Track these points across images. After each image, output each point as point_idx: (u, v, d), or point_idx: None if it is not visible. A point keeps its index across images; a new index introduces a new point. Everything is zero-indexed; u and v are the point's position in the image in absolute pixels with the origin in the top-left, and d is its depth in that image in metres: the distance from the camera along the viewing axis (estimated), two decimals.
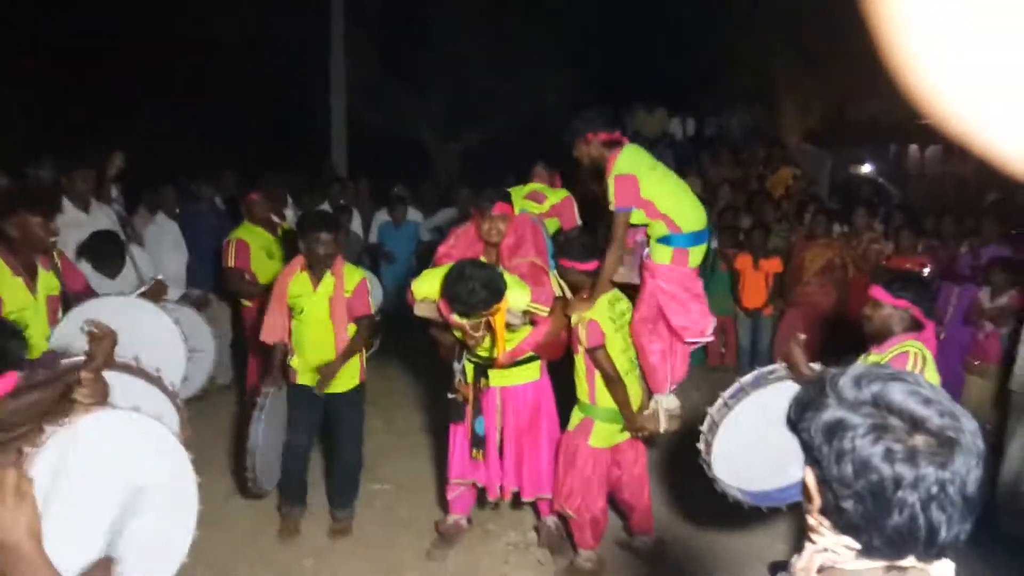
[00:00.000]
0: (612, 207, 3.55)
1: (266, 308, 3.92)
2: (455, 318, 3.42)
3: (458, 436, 3.85)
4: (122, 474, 2.00)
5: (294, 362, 3.92)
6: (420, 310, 3.58)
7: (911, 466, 0.94)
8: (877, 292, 2.92)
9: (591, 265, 3.59)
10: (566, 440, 3.65)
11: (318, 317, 3.84)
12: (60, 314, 3.44)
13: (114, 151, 5.21)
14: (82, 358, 2.37)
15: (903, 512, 0.95)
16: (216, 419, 5.56)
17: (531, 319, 3.53)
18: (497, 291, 3.23)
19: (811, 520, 1.08)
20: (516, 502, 4.11)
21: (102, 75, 10.39)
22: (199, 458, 2.27)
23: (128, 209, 6.09)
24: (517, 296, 3.42)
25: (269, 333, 3.87)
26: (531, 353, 3.69)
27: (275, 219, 5.39)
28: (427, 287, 3.51)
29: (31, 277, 3.35)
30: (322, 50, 11.42)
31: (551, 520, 3.92)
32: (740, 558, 3.81)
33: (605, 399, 3.55)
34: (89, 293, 3.66)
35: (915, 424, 0.97)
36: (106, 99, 10.32)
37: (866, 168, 12.76)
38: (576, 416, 3.65)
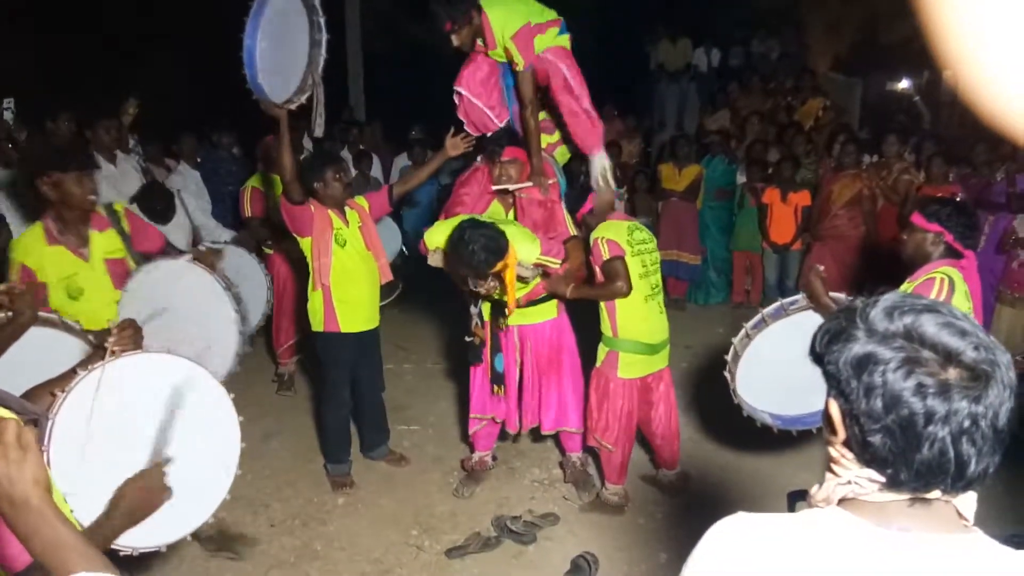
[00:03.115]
0: (521, 67, 3.59)
1: (314, 252, 3.72)
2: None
3: (478, 375, 3.91)
4: (160, 409, 2.05)
5: (339, 307, 3.80)
6: (433, 260, 3.58)
7: (943, 400, 0.91)
8: (914, 217, 2.91)
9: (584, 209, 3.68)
10: (596, 375, 3.67)
11: (358, 249, 3.82)
12: (125, 279, 3.24)
13: (128, 98, 5.19)
14: (2, 315, 2.37)
15: (933, 446, 0.93)
16: (251, 364, 5.68)
17: (543, 271, 3.52)
18: (497, 251, 3.23)
19: (833, 452, 1.05)
20: (539, 438, 4.17)
21: (113, 24, 10.29)
22: (237, 400, 2.33)
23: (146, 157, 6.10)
24: (526, 250, 3.41)
25: (327, 272, 3.74)
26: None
27: None
28: (438, 238, 3.50)
29: (80, 240, 3.13)
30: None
31: (575, 456, 3.97)
32: (764, 491, 3.85)
33: (627, 331, 3.55)
34: (164, 253, 3.42)
35: (948, 357, 0.93)
36: (117, 48, 10.23)
37: (904, 84, 12.17)
38: (602, 351, 3.66)
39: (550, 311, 3.78)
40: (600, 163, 3.77)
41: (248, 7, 3.35)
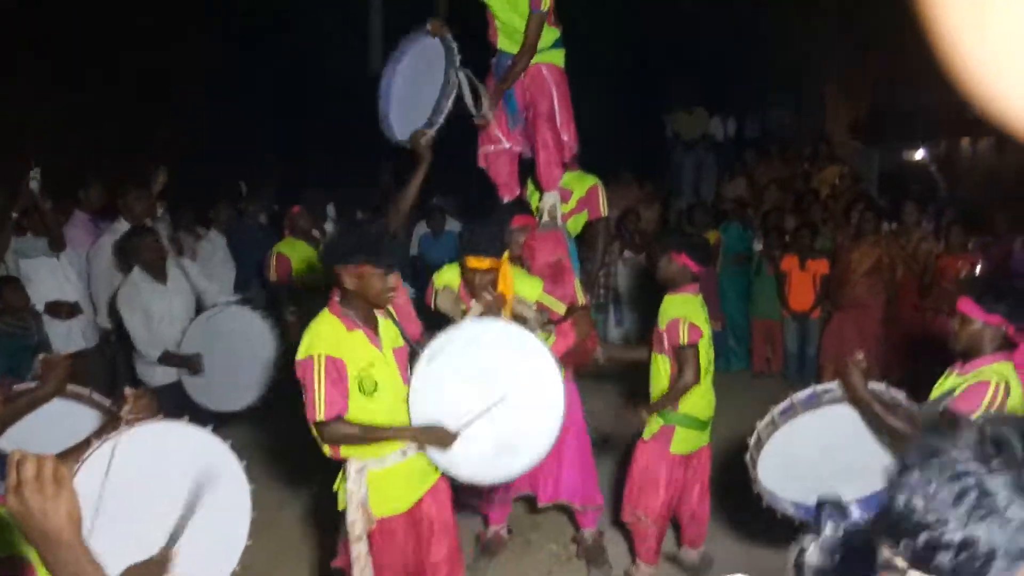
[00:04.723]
0: (545, 7, 3.71)
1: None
2: (473, 303, 3.43)
3: None
4: (175, 480, 2.06)
5: None
6: (440, 300, 3.54)
7: None
8: (966, 306, 2.56)
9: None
10: (644, 449, 3.57)
11: None
12: (408, 371, 2.88)
13: (158, 168, 5.35)
14: (34, 384, 2.43)
15: None
16: (268, 429, 5.66)
17: (549, 318, 3.47)
18: (494, 241, 3.23)
19: None
20: (555, 510, 4.09)
21: (146, 91, 10.67)
22: (251, 468, 2.34)
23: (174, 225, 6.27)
24: (526, 286, 3.43)
25: None
26: None
27: (316, 233, 5.49)
28: (448, 276, 3.52)
29: (372, 329, 2.81)
30: (361, 58, 11.56)
31: (588, 532, 3.89)
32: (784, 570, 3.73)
33: (687, 405, 3.48)
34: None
35: None
36: (151, 114, 10.59)
37: (919, 154, 12.26)
38: (655, 423, 3.53)
39: None
40: (551, 200, 3.96)
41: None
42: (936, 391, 2.67)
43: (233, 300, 5.03)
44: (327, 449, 2.78)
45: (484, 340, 2.87)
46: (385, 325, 2.87)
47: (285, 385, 5.74)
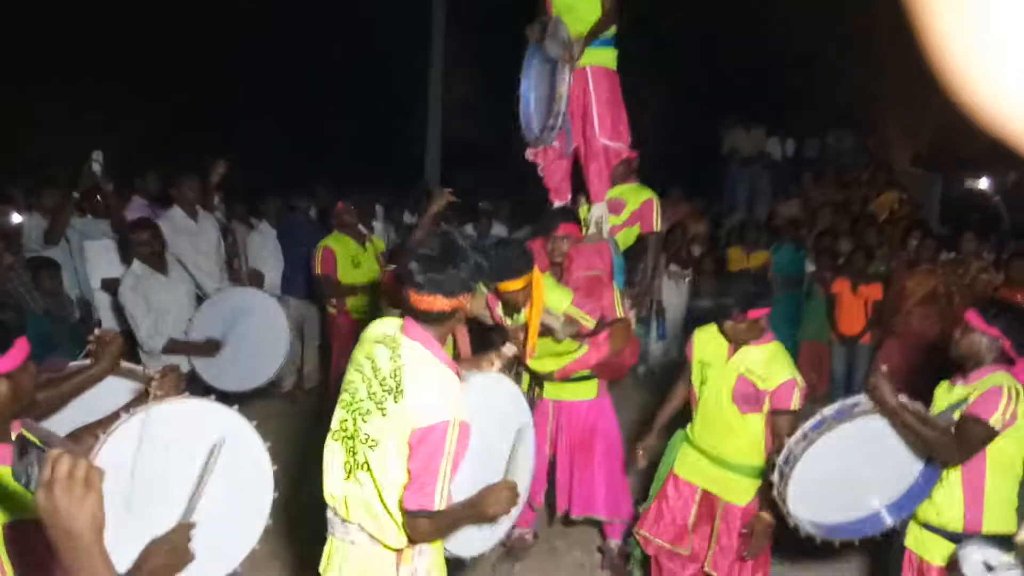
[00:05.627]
0: None
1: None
2: (498, 312, 3.40)
3: None
4: (199, 456, 2.09)
5: None
6: (474, 303, 3.50)
7: None
8: (970, 316, 2.76)
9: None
10: (747, 514, 3.17)
11: None
12: None
13: (217, 160, 5.47)
14: (87, 361, 2.42)
15: None
16: (301, 421, 5.75)
17: (578, 331, 3.40)
18: (521, 262, 3.12)
19: None
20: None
21: (207, 91, 11.02)
22: (277, 453, 2.36)
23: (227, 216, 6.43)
24: (556, 297, 3.35)
25: None
26: (587, 372, 3.60)
27: (362, 229, 5.56)
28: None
29: None
30: (422, 66, 11.73)
31: (614, 543, 3.84)
32: None
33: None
34: None
35: None
36: (210, 112, 10.92)
37: (983, 184, 11.83)
38: (750, 487, 3.15)
39: (589, 391, 3.71)
40: (598, 211, 3.94)
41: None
42: (941, 401, 2.81)
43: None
44: (403, 534, 2.12)
45: (493, 399, 2.54)
46: None
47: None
